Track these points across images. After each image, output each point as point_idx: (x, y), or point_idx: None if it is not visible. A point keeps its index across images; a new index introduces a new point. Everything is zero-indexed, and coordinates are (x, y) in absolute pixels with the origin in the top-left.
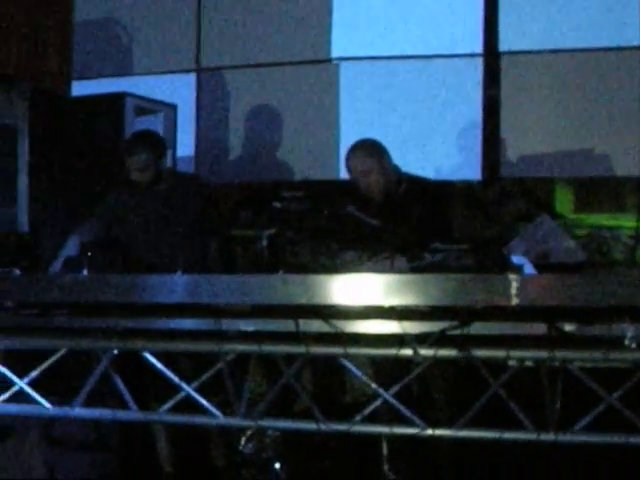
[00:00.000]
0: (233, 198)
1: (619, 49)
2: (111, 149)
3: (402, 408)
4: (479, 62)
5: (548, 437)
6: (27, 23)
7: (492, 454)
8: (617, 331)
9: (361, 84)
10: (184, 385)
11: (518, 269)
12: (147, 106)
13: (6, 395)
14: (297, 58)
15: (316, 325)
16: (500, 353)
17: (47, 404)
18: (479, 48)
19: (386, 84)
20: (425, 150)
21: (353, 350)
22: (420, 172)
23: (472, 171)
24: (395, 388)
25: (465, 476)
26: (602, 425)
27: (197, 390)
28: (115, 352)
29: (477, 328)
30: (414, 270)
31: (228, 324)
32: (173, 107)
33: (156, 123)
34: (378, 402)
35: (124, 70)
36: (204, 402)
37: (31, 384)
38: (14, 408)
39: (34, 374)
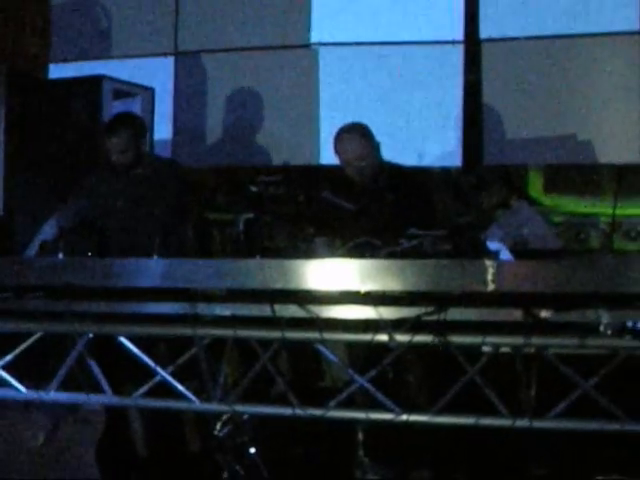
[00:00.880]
0: (210, 182)
1: (598, 35)
2: (88, 132)
3: (378, 393)
4: (460, 49)
5: (523, 423)
6: (4, 4)
7: (468, 439)
8: (592, 318)
9: (341, 70)
10: (159, 369)
11: (495, 255)
12: (125, 89)
13: None
14: (276, 43)
15: (292, 310)
16: (476, 339)
17: (22, 387)
18: (460, 35)
19: (366, 70)
20: (405, 136)
21: (329, 335)
22: (400, 158)
23: (452, 158)
24: (371, 373)
25: (440, 461)
26: (577, 412)
27: (172, 375)
28: (90, 336)
29: (453, 314)
30: (390, 255)
31: (204, 308)
32: (151, 90)
33: (134, 106)
34: (353, 387)
35: (102, 53)
36: (179, 387)
37: (6, 367)
38: None
39: (9, 357)
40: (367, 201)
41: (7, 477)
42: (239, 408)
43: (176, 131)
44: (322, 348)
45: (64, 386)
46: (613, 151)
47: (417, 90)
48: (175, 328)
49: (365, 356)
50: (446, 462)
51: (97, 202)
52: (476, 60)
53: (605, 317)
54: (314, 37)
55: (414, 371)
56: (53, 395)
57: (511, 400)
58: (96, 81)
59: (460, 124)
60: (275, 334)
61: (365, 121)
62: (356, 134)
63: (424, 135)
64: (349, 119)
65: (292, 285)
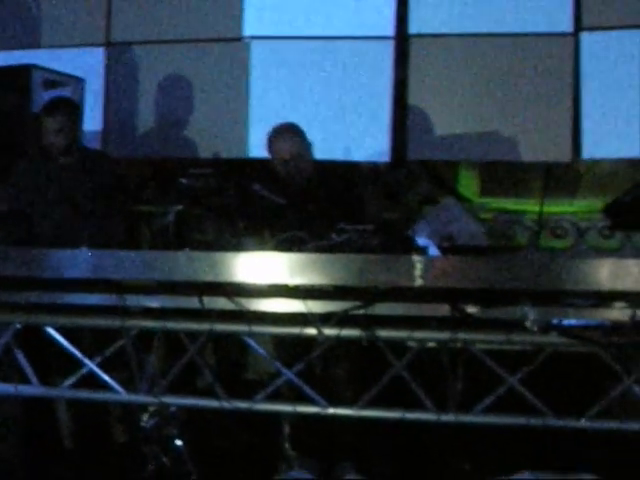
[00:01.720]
0: (140, 174)
1: (527, 35)
2: (18, 122)
3: (304, 387)
4: (390, 45)
5: (449, 418)
6: None
7: (394, 433)
8: (519, 314)
9: (272, 63)
10: (87, 361)
11: (422, 251)
12: (55, 79)
13: None
14: (208, 35)
15: (221, 302)
16: (403, 334)
17: None
18: (391, 31)
19: (297, 64)
20: (334, 131)
21: (257, 328)
22: (329, 153)
23: (380, 153)
24: (298, 367)
25: (367, 455)
26: (503, 407)
27: (100, 366)
28: (18, 326)
29: (381, 308)
30: (319, 250)
31: (132, 300)
32: (81, 81)
33: None
34: (280, 380)
35: (32, 42)
36: (106, 378)
37: None
38: None
39: None
40: (297, 195)
41: None
42: (166, 400)
43: (106, 122)
44: (250, 341)
45: None
46: (542, 149)
47: (347, 85)
48: (103, 319)
49: (293, 349)
50: (372, 456)
51: (26, 191)
52: (405, 56)
53: (531, 313)
54: (246, 31)
55: (342, 365)
56: None
57: (437, 395)
58: (25, 71)
59: (389, 120)
60: (204, 327)
61: (294, 115)
62: (290, 134)
63: (353, 130)
64: (279, 113)
65: (221, 278)
